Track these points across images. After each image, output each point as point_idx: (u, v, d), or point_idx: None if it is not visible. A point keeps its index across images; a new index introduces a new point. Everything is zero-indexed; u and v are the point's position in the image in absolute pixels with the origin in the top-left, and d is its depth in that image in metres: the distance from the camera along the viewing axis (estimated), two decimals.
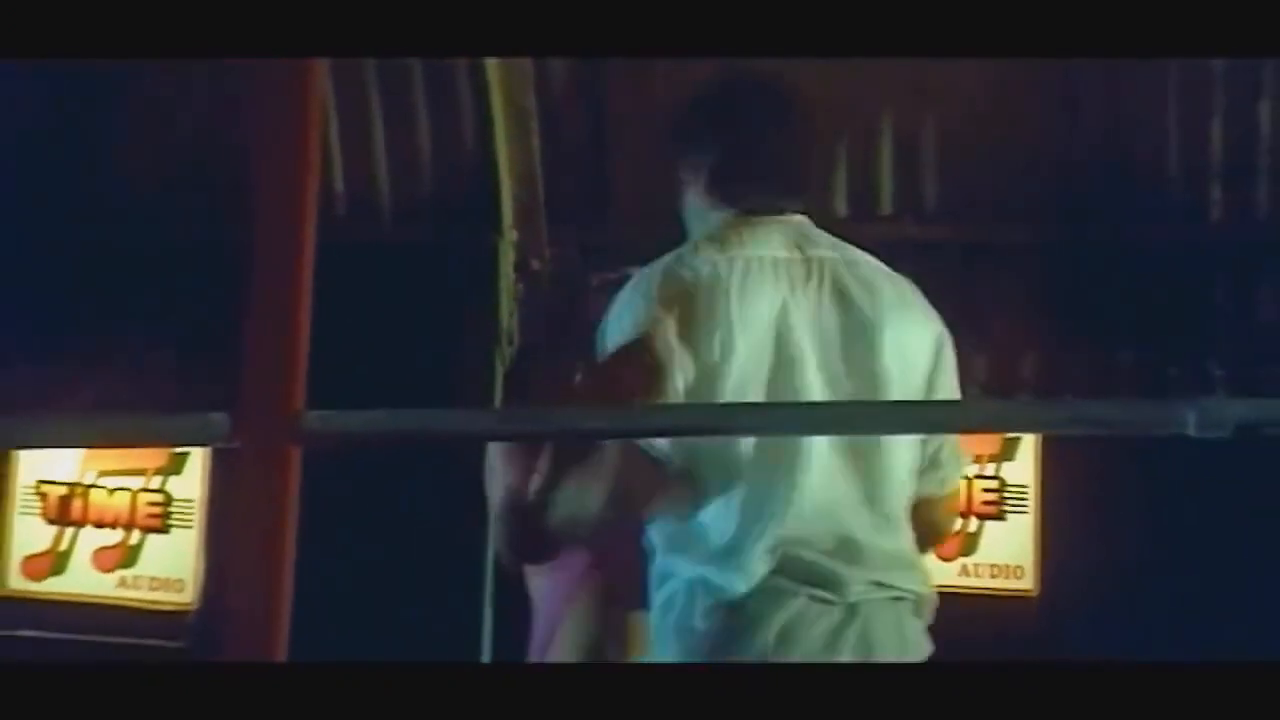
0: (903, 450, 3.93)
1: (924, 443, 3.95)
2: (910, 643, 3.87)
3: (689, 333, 3.89)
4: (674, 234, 4.13)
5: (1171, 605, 6.89)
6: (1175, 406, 2.40)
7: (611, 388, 3.95)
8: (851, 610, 3.76)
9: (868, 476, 3.88)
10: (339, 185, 7.59)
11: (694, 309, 3.91)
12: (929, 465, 3.95)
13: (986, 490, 7.16)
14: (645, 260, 4.14)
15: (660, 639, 3.90)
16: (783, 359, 3.91)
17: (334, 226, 7.06)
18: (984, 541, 7.11)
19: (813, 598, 3.75)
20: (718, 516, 3.81)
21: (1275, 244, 7.33)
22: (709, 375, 3.79)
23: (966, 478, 6.93)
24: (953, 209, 7.48)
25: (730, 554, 3.82)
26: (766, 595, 3.76)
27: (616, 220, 7.24)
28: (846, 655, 3.75)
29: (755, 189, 4.19)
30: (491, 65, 7.32)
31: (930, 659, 3.83)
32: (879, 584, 3.80)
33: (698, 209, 4.15)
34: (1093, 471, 6.84)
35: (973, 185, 7.41)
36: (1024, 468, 7.16)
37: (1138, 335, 7.34)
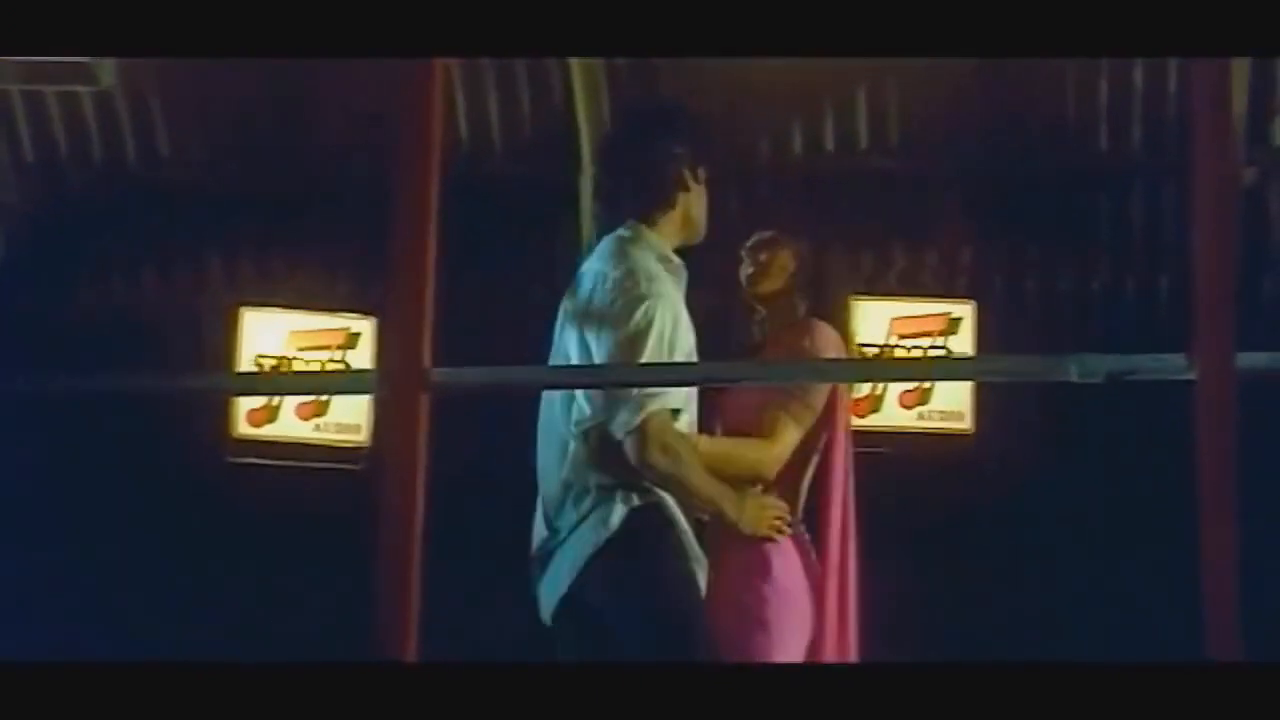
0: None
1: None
2: None
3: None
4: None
5: (1062, 438, 6.85)
6: (1061, 360, 2.37)
7: None
8: None
9: None
10: (463, 132, 7.53)
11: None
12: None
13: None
14: None
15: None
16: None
17: (459, 163, 7.05)
18: (935, 395, 6.94)
19: None
20: None
21: (1146, 172, 7.26)
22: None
23: (922, 348, 6.94)
24: (909, 146, 7.41)
25: None
26: None
27: None
28: None
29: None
30: None
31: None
32: None
33: None
34: (1011, 346, 6.85)
35: (924, 128, 7.33)
36: (964, 340, 6.99)
37: (1040, 239, 7.34)
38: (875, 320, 6.73)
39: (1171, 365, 2.26)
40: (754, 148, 7.38)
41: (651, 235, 4.00)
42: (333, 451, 7.33)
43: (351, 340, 7.42)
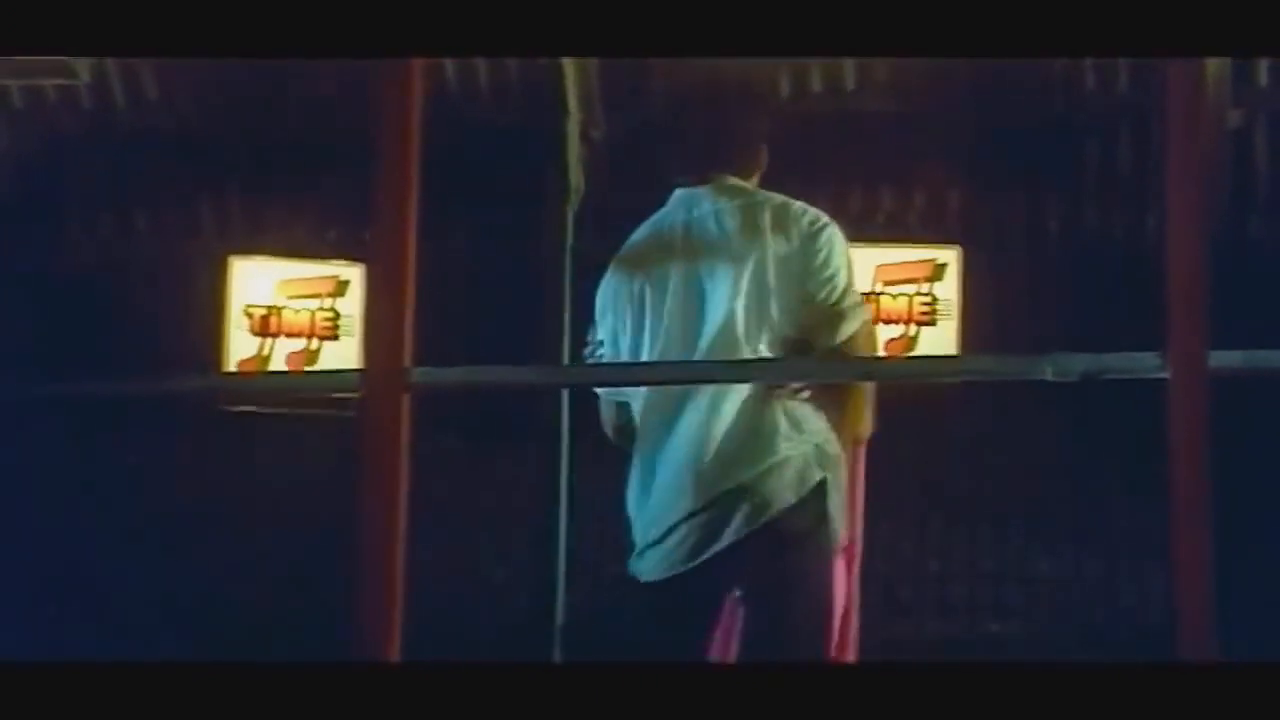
0: None
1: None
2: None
3: None
4: None
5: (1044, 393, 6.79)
6: (1036, 360, 2.39)
7: None
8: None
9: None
10: (450, 74, 7.49)
11: None
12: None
13: (923, 304, 7.04)
14: None
15: None
16: None
17: (447, 106, 7.01)
18: (921, 341, 7.01)
19: None
20: None
21: (1133, 114, 7.23)
22: None
23: (908, 295, 6.92)
24: (896, 86, 7.38)
25: None
26: None
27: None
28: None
29: None
30: None
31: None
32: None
33: None
34: (997, 289, 6.87)
35: (909, 70, 7.30)
36: (950, 286, 7.02)
37: (1027, 182, 7.33)
38: (861, 267, 6.69)
39: (1145, 364, 2.27)
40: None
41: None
42: (324, 400, 7.31)
43: (341, 288, 7.43)
